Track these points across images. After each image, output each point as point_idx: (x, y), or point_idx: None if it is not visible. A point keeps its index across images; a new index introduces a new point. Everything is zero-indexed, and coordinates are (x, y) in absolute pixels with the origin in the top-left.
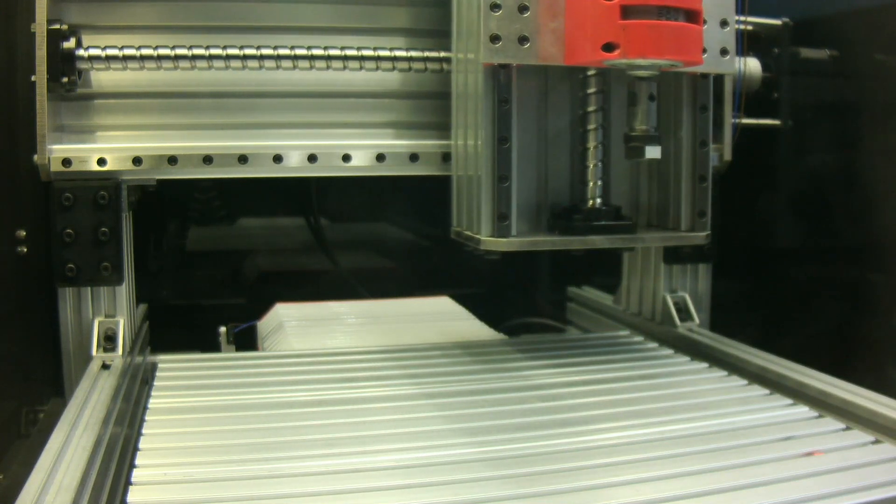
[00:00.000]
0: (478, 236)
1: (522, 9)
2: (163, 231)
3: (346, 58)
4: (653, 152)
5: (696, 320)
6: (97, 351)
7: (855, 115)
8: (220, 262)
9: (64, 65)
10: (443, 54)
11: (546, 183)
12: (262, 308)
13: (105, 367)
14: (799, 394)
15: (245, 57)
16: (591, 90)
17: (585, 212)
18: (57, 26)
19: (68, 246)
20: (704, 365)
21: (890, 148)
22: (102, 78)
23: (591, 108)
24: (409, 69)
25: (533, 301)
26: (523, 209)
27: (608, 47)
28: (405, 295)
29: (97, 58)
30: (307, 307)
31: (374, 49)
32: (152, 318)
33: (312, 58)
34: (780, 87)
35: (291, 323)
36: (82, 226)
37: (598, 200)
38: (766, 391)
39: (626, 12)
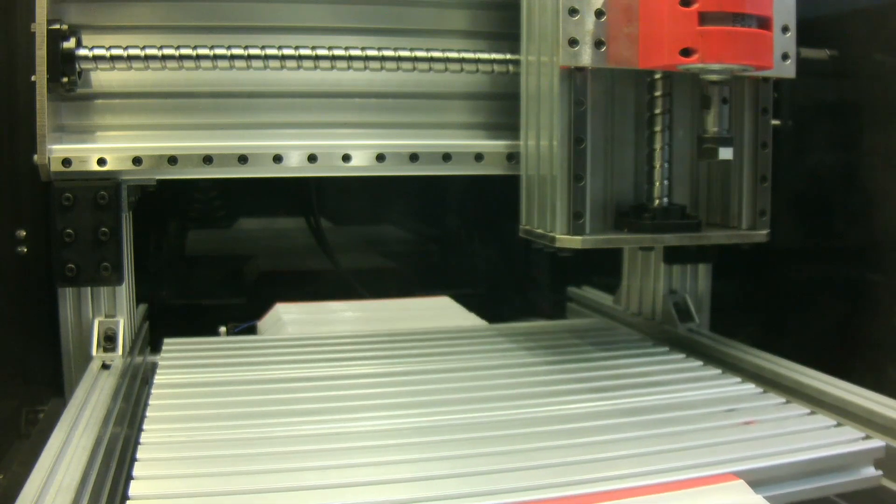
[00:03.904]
0: (552, 234)
1: (599, 14)
2: (163, 231)
3: (353, 58)
4: (726, 153)
5: (696, 320)
6: (97, 351)
7: (855, 115)
8: (220, 262)
9: (64, 65)
10: (483, 56)
11: (611, 182)
12: (262, 308)
13: (105, 367)
14: (795, 392)
15: (249, 57)
16: (658, 93)
17: (654, 210)
18: (57, 26)
19: (68, 246)
20: (682, 355)
21: (890, 148)
22: (102, 78)
23: (658, 111)
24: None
25: (533, 301)
26: (591, 208)
27: (686, 52)
28: (405, 295)
29: (97, 58)
30: (307, 307)
31: (395, 49)
32: (152, 318)
33: (317, 58)
34: (781, 87)
35: (291, 323)
36: (82, 226)
37: (665, 199)
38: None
39: (704, 19)
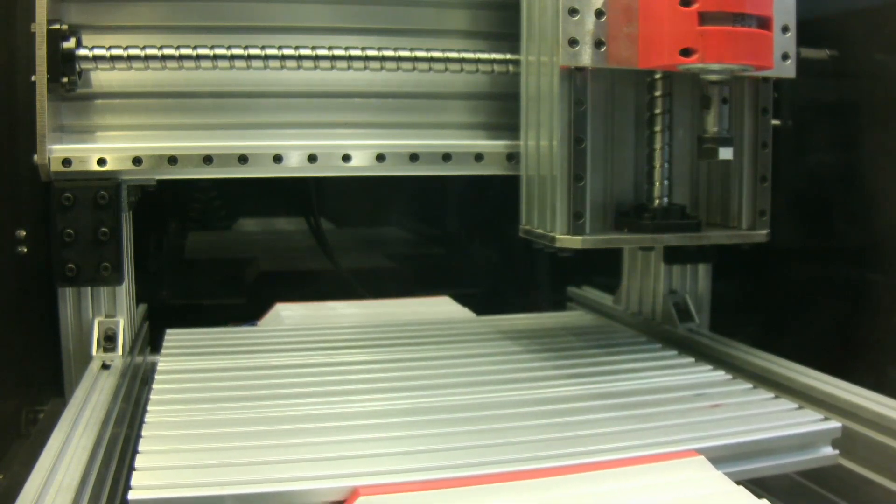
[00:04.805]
0: (552, 234)
1: (599, 14)
2: (163, 231)
3: (353, 58)
4: (726, 153)
5: (696, 320)
6: (97, 351)
7: (855, 115)
8: (219, 262)
9: (64, 65)
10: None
11: (611, 182)
12: (262, 308)
13: (105, 367)
14: (795, 392)
15: (249, 57)
16: (658, 93)
17: (654, 210)
18: (57, 26)
19: (68, 246)
20: (658, 345)
21: (890, 148)
22: (102, 78)
23: (658, 111)
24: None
25: (533, 301)
26: (591, 208)
27: (686, 52)
28: (405, 295)
29: (98, 58)
30: (307, 307)
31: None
32: (152, 319)
33: (317, 58)
34: (781, 87)
35: (291, 322)
36: (82, 226)
37: (665, 199)
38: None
39: (704, 19)
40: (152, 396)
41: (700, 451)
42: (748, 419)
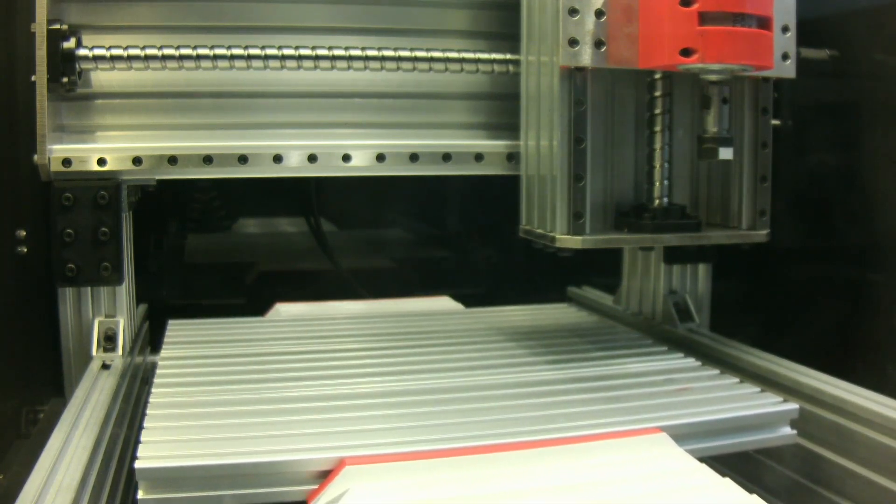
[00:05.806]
0: (552, 234)
1: (599, 14)
2: (163, 231)
3: (353, 58)
4: (726, 153)
5: (697, 320)
6: (97, 351)
7: (855, 116)
8: (220, 263)
9: (64, 65)
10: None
11: (611, 182)
12: (262, 308)
13: (105, 367)
14: (795, 391)
15: (249, 57)
16: (658, 93)
17: (654, 210)
18: (57, 26)
19: (68, 246)
20: (638, 334)
21: (890, 148)
22: (102, 78)
23: (658, 111)
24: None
25: (532, 301)
26: (591, 208)
27: (686, 52)
28: (405, 295)
29: (98, 58)
30: (307, 306)
31: (395, 49)
32: (152, 319)
33: (317, 58)
34: (781, 87)
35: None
36: (82, 226)
37: (665, 199)
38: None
39: (704, 19)
40: (156, 379)
41: (663, 429)
42: (711, 401)
